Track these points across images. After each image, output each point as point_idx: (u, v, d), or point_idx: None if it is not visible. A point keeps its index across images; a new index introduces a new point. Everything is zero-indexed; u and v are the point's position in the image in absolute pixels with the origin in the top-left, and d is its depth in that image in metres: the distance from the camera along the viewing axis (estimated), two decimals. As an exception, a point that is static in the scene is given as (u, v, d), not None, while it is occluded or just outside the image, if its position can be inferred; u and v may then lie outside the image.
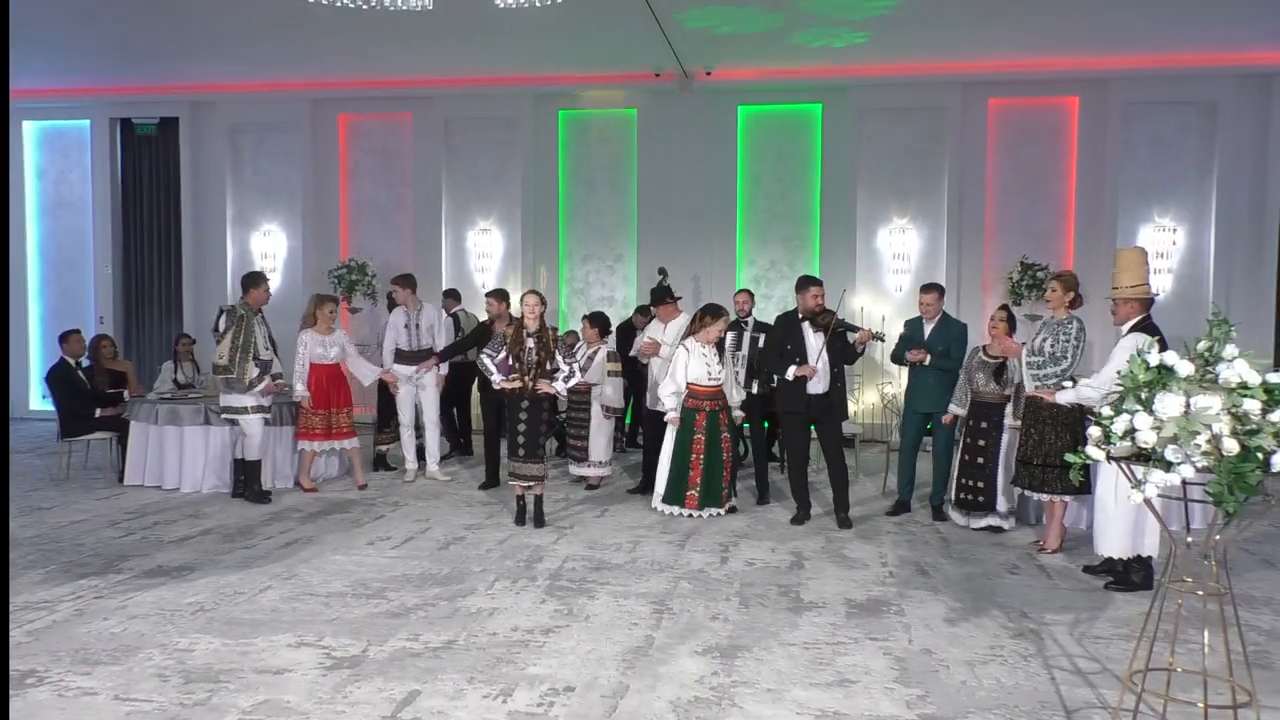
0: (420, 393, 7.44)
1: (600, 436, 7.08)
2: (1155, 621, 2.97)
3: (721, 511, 6.24)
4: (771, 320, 6.73)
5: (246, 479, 6.74)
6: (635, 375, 7.58)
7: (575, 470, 7.16)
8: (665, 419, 6.18)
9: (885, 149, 9.91)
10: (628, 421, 8.96)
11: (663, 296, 7.02)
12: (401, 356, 7.40)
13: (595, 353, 6.90)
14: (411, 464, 7.56)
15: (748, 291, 7.83)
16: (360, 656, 3.79)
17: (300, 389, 6.89)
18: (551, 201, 10.49)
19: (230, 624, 4.16)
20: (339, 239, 10.88)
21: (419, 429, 7.61)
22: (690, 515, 6.15)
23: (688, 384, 6.16)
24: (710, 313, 6.29)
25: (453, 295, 9.27)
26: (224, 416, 6.79)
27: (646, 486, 6.95)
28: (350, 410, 7.11)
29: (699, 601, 4.50)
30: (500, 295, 7.36)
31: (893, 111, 9.83)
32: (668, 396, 6.15)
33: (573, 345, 6.61)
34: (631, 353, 6.85)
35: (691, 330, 6.33)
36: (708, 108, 10.04)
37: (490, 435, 7.27)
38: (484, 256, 10.64)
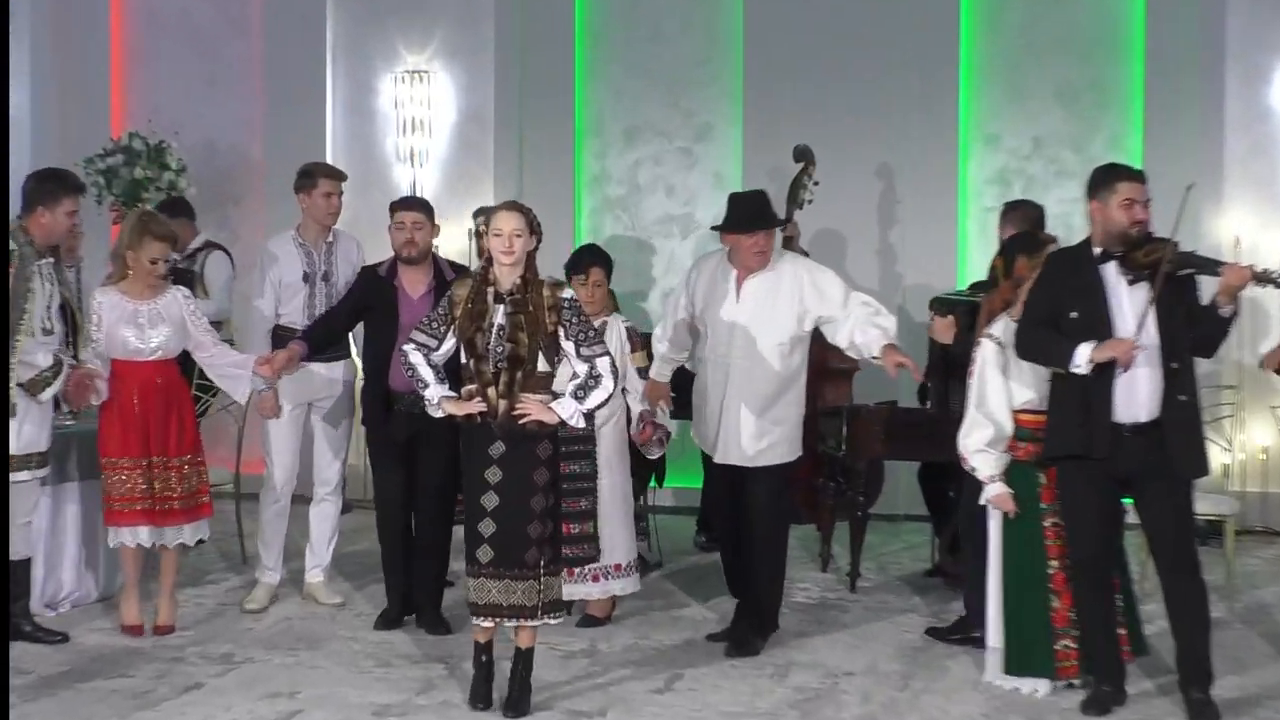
0: (316, 424, 7.92)
1: (621, 513, 7.45)
2: None
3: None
4: None
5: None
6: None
7: (566, 589, 7.22)
8: (986, 498, 6.35)
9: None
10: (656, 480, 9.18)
11: (755, 211, 7.03)
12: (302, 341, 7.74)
13: (601, 330, 7.16)
14: (273, 574, 7.91)
15: (1026, 208, 7.66)
16: None
17: (101, 385, 7.05)
18: (561, 19, 10.95)
19: None
20: (108, 94, 11.44)
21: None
22: (1070, 686, 6.37)
23: (1013, 414, 6.35)
24: (1025, 248, 6.53)
25: (188, 212, 8.97)
26: None
27: (753, 628, 7.09)
28: (196, 460, 7.36)
29: None
30: (418, 209, 7.55)
31: None
32: (980, 454, 6.30)
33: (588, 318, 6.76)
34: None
35: (998, 302, 6.55)
36: None
37: (390, 514, 7.60)
38: (416, 130, 11.01)
